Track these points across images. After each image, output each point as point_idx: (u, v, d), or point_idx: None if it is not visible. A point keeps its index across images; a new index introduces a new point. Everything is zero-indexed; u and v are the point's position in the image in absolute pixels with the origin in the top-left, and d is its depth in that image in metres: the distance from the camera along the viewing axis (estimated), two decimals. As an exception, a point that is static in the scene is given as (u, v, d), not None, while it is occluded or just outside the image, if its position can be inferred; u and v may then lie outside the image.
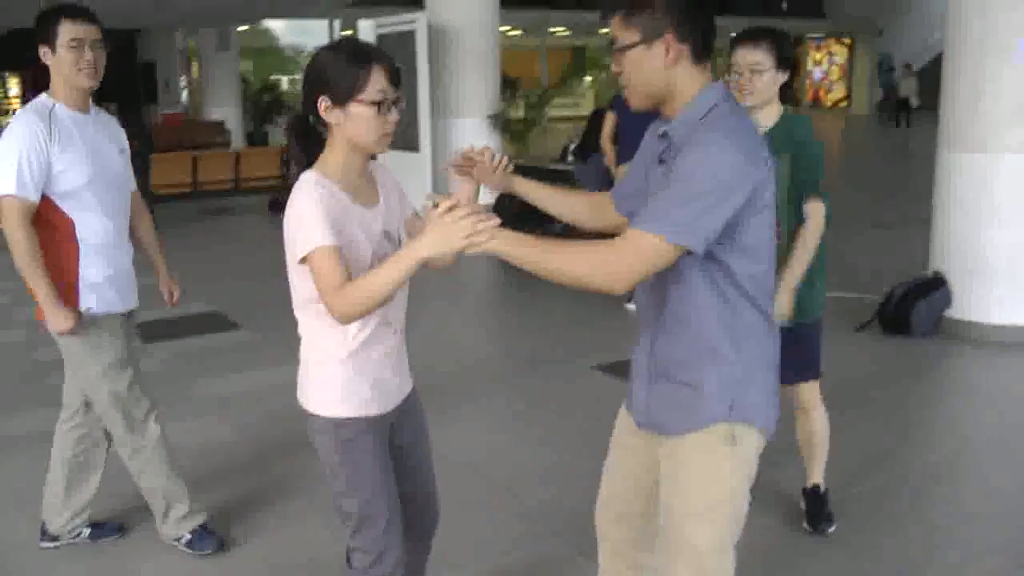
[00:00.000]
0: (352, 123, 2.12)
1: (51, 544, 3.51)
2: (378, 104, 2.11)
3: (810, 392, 3.47)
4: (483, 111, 11.83)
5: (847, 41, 33.15)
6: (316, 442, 2.31)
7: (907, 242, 8.55)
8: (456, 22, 11.36)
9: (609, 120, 7.03)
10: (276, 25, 31.35)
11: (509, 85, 13.21)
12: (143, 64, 22.55)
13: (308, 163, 2.21)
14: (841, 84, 33.86)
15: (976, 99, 5.74)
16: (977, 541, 3.50)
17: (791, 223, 3.21)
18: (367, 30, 12.03)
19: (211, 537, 3.47)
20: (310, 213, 2.07)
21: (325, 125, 2.17)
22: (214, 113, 19.69)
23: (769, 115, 3.23)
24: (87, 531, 3.55)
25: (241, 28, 21.84)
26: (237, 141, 19.18)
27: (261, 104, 21.59)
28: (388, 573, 2.32)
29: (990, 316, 5.88)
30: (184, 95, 23.09)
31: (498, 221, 1.87)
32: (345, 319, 2.07)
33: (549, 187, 2.45)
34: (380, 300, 2.02)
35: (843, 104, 33.41)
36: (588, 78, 31.48)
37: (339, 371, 2.24)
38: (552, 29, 30.69)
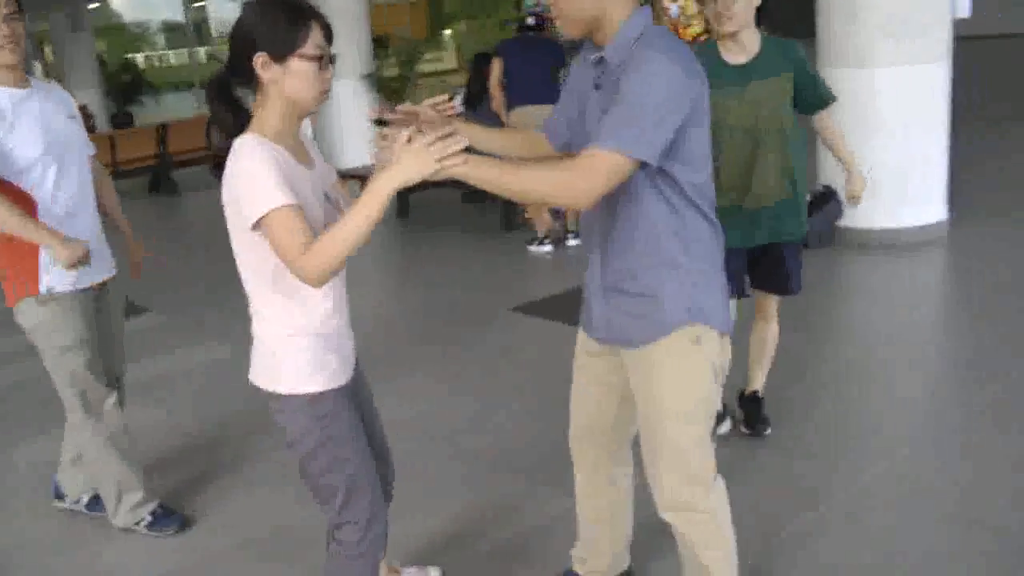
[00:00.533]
0: (293, 79, 2.06)
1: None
2: (318, 59, 2.07)
3: (777, 304, 3.70)
4: (356, 72, 11.71)
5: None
6: (287, 422, 2.22)
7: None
8: (324, -20, 11.17)
9: (496, 66, 7.08)
10: (118, 1, 30.04)
11: (378, 43, 13.09)
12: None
13: (235, 128, 2.11)
14: (699, 18, 34.55)
15: (852, 15, 5.99)
16: (888, 429, 3.78)
17: (794, 141, 3.32)
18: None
19: (172, 517, 3.46)
20: (261, 174, 1.98)
21: (253, 86, 2.10)
22: (76, 97, 18.83)
23: (751, 39, 3.26)
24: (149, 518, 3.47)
25: (92, 6, 20.88)
26: (102, 124, 18.41)
27: (122, 84, 20.77)
28: (380, 542, 2.33)
29: (879, 222, 6.22)
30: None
31: (466, 143, 1.88)
32: (319, 279, 1.96)
33: (485, 129, 2.51)
34: (355, 247, 1.93)
35: (703, 38, 34.13)
36: (448, 31, 31.28)
37: (307, 345, 2.17)
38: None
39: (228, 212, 2.07)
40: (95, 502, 3.58)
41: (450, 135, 1.86)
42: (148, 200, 11.43)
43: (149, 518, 3.43)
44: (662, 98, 1.96)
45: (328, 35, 2.11)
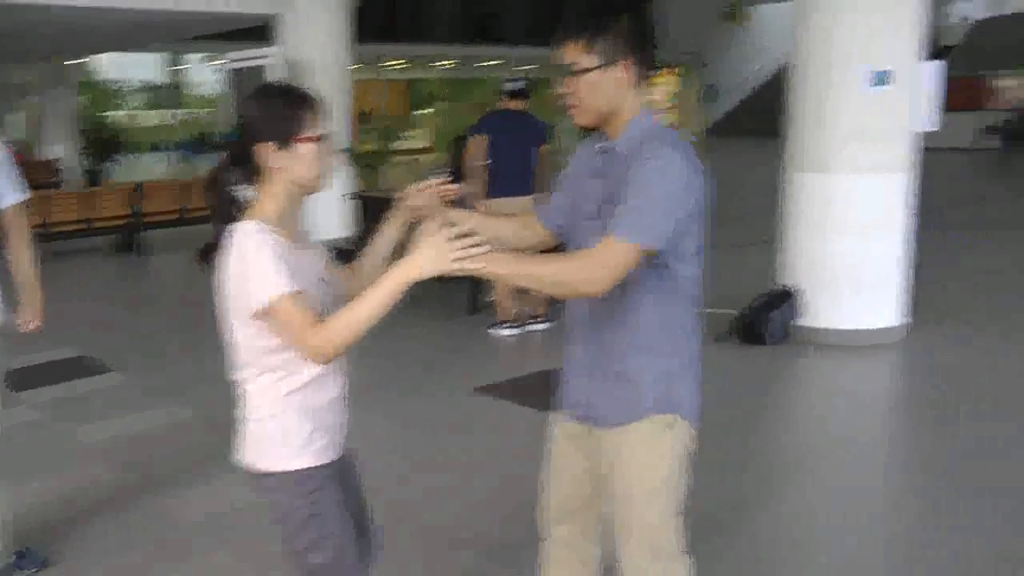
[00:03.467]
0: (299, 162, 2.14)
1: None
2: (319, 139, 2.16)
3: None
4: (337, 145, 11.88)
5: (676, 71, 34.77)
6: (274, 500, 2.23)
7: (752, 261, 9.12)
8: (309, 57, 11.41)
9: (477, 144, 6.78)
10: (99, 59, 30.27)
11: (362, 119, 13.34)
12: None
13: (231, 216, 2.17)
14: (672, 111, 35.43)
15: (819, 123, 6.26)
16: (834, 519, 3.87)
17: None
18: (208, 66, 11.96)
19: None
20: (264, 262, 2.04)
21: (250, 175, 2.18)
22: (50, 151, 18.87)
23: None
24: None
25: (76, 62, 21.05)
26: (75, 180, 18.43)
27: (99, 141, 20.86)
28: None
29: (836, 322, 6.41)
30: (16, 132, 22.01)
31: (488, 246, 1.97)
32: (326, 357, 2.04)
33: (483, 216, 2.64)
34: (365, 329, 2.00)
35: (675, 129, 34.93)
36: (430, 110, 31.84)
37: (296, 422, 2.20)
38: (388, 62, 30.87)
39: (224, 291, 2.13)
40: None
41: (470, 234, 1.96)
42: (118, 259, 11.42)
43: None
44: (671, 191, 2.11)
45: (324, 115, 2.20)
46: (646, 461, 2.33)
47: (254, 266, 2.05)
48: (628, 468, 2.35)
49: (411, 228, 2.31)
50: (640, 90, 2.25)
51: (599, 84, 2.21)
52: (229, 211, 2.18)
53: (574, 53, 2.21)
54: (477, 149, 6.80)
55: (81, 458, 4.84)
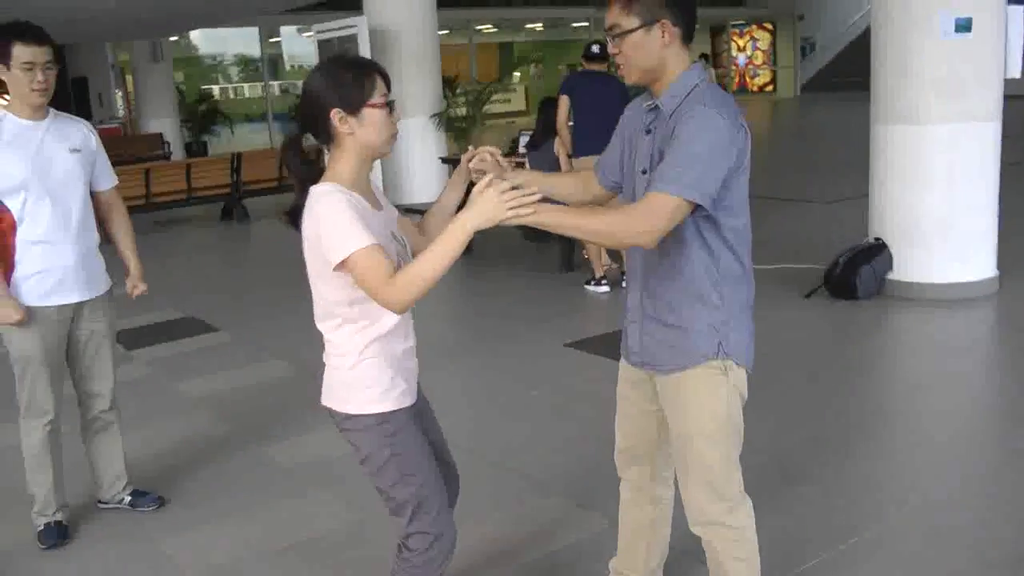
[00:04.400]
0: (366, 127, 2.27)
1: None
2: (386, 105, 2.30)
3: None
4: (426, 111, 12.06)
5: (768, 26, 33.97)
6: (359, 441, 2.40)
7: (845, 216, 9.01)
8: (396, 25, 11.58)
9: (563, 105, 7.18)
10: (195, 35, 31.06)
11: (447, 84, 13.47)
12: (75, 79, 22.28)
13: (309, 180, 2.31)
14: (766, 69, 34.66)
15: (903, 74, 6.15)
16: (923, 472, 3.89)
17: None
18: (303, 37, 12.23)
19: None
20: (342, 218, 2.18)
21: (325, 140, 2.32)
22: (151, 125, 19.56)
23: None
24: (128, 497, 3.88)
25: (172, 39, 21.71)
26: (176, 153, 19.11)
27: (198, 114, 21.53)
28: (447, 550, 2.47)
29: (928, 276, 6.32)
30: (120, 108, 22.86)
31: (539, 196, 2.11)
32: (403, 306, 2.19)
33: (543, 174, 2.78)
34: (436, 279, 2.14)
35: (768, 88, 34.21)
36: (517, 74, 31.80)
37: (377, 368, 2.35)
38: (479, 27, 30.97)
39: (307, 247, 2.28)
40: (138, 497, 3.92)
41: (523, 186, 2.10)
42: (221, 227, 11.90)
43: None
44: (714, 146, 2.19)
45: (387, 82, 2.34)
46: (703, 405, 2.43)
47: (333, 223, 2.19)
48: (686, 412, 2.45)
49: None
50: (684, 48, 2.33)
51: (641, 44, 2.30)
52: (307, 175, 2.33)
53: (615, 15, 2.31)
54: (562, 109, 7.16)
55: (189, 410, 5.15)
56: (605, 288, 7.14)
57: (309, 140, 2.39)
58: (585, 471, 3.99)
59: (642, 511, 2.80)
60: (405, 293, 2.16)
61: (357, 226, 2.18)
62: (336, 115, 2.26)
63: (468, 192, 2.26)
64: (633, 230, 2.20)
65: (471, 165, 2.53)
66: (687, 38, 2.33)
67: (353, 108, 2.27)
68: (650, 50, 2.30)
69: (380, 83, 2.30)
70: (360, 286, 2.21)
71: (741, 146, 2.25)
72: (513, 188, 2.09)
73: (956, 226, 6.22)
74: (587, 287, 7.22)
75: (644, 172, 2.38)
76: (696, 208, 2.20)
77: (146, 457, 4.38)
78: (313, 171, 2.35)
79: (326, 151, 2.36)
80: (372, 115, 2.28)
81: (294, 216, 2.35)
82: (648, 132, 2.39)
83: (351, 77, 2.28)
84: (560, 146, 7.43)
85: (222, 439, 4.67)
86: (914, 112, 6.16)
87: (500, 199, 2.08)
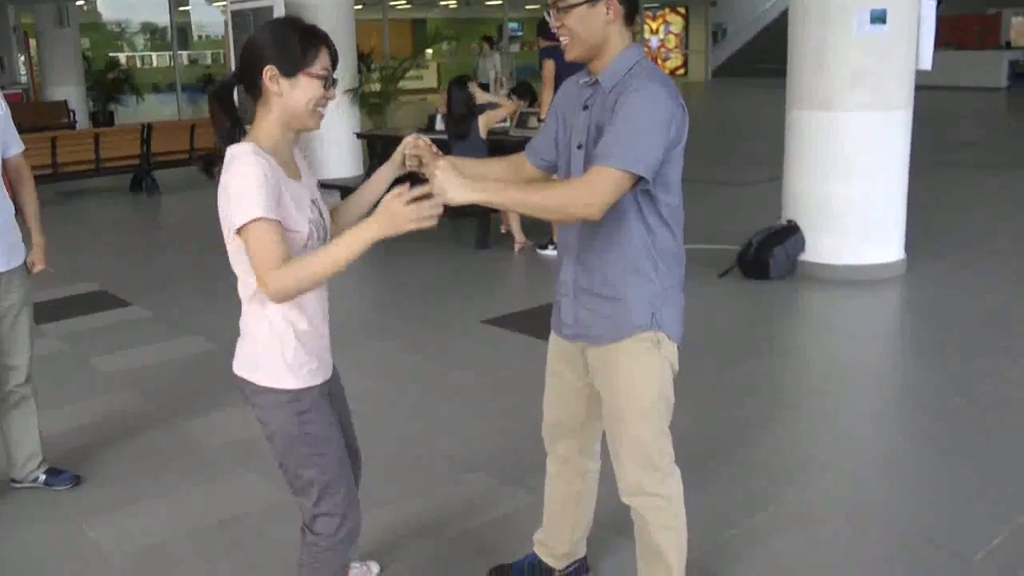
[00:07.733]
0: (296, 93, 2.22)
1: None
2: (323, 79, 2.26)
3: None
4: (341, 87, 11.90)
5: (681, 11, 34.42)
6: (267, 417, 2.35)
7: (757, 200, 9.24)
8: None
9: (548, 66, 7.48)
10: (102, 1, 30.06)
11: (362, 60, 13.32)
12: (-28, 42, 21.36)
13: (231, 136, 2.25)
14: (677, 52, 35.13)
15: (820, 64, 6.33)
16: (837, 447, 4.05)
17: None
18: (212, 7, 11.94)
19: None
20: (251, 184, 2.12)
21: (255, 95, 2.27)
22: (57, 93, 18.86)
23: None
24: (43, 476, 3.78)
25: (78, 3, 20.95)
26: (81, 122, 18.48)
27: (105, 83, 20.84)
28: (353, 530, 2.45)
29: (838, 257, 6.53)
30: (23, 74, 21.97)
31: (441, 209, 2.08)
32: (278, 298, 2.15)
33: (474, 160, 2.81)
34: (319, 282, 2.16)
35: (680, 72, 34.68)
36: (430, 51, 31.60)
37: (291, 343, 2.30)
38: (393, 3, 30.63)
39: (221, 213, 2.21)
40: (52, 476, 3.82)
41: (427, 197, 2.07)
42: (130, 198, 11.56)
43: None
44: (656, 121, 2.24)
45: (334, 60, 2.30)
46: (635, 377, 2.48)
47: (239, 186, 2.14)
48: (618, 385, 2.50)
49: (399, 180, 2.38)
50: (626, 27, 2.37)
51: (585, 19, 2.33)
52: (230, 129, 2.27)
53: None
54: (548, 72, 7.53)
55: (105, 386, 5.03)
56: (555, 251, 7.23)
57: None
58: (507, 448, 4.03)
59: (569, 484, 2.85)
60: (284, 287, 2.13)
61: (263, 196, 2.12)
62: (268, 72, 2.22)
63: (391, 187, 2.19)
64: (580, 202, 2.22)
65: (407, 151, 2.49)
66: (629, 18, 2.37)
67: (289, 70, 2.22)
68: (594, 25, 2.33)
69: (325, 56, 2.26)
70: (250, 260, 2.16)
71: (680, 123, 2.30)
72: (419, 198, 2.06)
73: (866, 210, 6.45)
74: (539, 251, 7.57)
75: (580, 147, 2.42)
76: (637, 182, 2.24)
77: (61, 434, 4.27)
78: (237, 126, 2.28)
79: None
80: (306, 83, 2.24)
81: (208, 165, 2.30)
82: (585, 108, 2.42)
83: (297, 39, 2.23)
84: (506, 108, 8.13)
85: (140, 416, 4.58)
86: (828, 99, 6.35)
87: (404, 211, 2.05)
